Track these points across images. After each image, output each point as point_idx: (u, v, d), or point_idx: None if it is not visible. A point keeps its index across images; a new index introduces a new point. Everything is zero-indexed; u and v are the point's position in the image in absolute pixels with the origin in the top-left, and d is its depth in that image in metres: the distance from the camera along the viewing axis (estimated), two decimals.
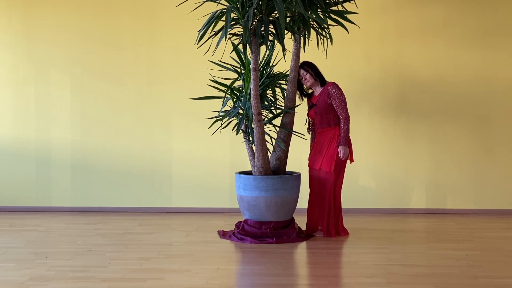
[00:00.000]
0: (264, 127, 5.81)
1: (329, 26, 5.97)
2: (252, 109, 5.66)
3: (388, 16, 7.14)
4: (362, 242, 5.68)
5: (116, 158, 7.22)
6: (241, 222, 5.92)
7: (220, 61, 6.17)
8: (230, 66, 6.15)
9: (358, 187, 7.17)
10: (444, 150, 7.16)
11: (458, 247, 5.45)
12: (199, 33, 5.54)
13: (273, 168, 5.94)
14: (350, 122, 5.97)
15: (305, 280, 4.61)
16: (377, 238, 5.84)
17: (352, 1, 6.04)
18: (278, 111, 6.01)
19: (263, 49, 6.20)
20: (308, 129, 6.14)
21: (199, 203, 7.23)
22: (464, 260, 4.98)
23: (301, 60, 5.94)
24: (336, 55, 6.86)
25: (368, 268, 4.78)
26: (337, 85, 5.89)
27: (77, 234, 6.01)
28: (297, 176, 5.86)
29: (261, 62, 6.01)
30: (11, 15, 7.21)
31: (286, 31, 5.65)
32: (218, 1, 5.74)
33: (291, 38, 5.96)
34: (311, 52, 6.20)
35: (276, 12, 5.45)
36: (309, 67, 5.92)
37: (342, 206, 6.30)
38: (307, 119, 6.12)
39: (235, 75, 6.33)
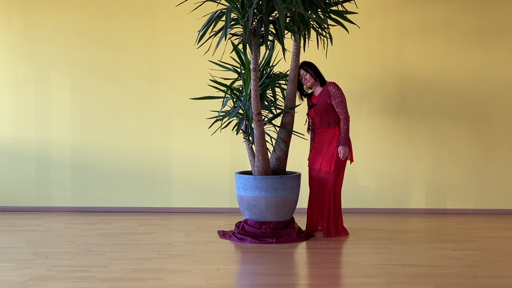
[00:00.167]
0: (264, 127, 5.81)
1: (329, 26, 5.96)
2: (252, 109, 5.66)
3: (388, 16, 7.14)
4: (362, 242, 5.68)
5: (116, 158, 7.22)
6: (241, 222, 5.92)
7: (220, 61, 6.16)
8: (230, 66, 6.15)
9: (358, 187, 7.17)
10: (444, 150, 7.16)
11: (458, 247, 5.45)
12: (199, 33, 5.54)
13: (273, 168, 5.93)
14: (350, 122, 5.97)
15: (305, 280, 4.61)
16: (377, 238, 5.84)
17: (352, 1, 6.04)
18: (278, 111, 6.01)
19: (263, 49, 6.20)
20: (308, 129, 6.14)
21: (199, 203, 7.22)
22: (464, 260, 4.98)
23: (301, 60, 5.93)
24: (336, 55, 6.87)
25: (368, 268, 4.78)
26: (337, 85, 5.88)
27: (77, 234, 6.00)
28: (297, 176, 5.86)
29: (261, 62, 6.01)
30: (11, 15, 7.21)
31: (286, 31, 5.65)
32: (218, 1, 5.74)
33: (291, 38, 5.96)
34: (311, 52, 6.20)
35: (276, 12, 5.44)
36: (309, 67, 5.92)
37: (342, 206, 6.31)
38: (307, 119, 6.12)
39: (235, 75, 6.33)
